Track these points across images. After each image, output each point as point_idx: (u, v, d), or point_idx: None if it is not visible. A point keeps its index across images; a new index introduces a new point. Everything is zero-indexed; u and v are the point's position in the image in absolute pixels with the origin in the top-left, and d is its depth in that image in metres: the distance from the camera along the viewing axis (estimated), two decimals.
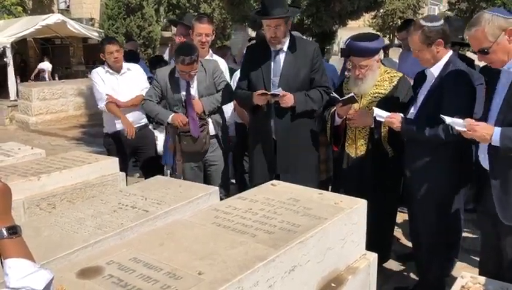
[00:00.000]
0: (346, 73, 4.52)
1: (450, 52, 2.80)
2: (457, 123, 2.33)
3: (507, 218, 2.32)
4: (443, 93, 2.69)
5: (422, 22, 2.72)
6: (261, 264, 1.61)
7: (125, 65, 4.55)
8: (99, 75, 4.45)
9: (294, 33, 3.80)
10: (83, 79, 14.15)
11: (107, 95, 4.37)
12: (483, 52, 2.27)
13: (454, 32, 3.63)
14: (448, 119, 2.37)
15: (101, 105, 4.44)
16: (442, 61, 2.76)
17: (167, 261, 1.67)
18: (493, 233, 2.45)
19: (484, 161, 2.41)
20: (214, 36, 4.18)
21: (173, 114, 3.67)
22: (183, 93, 3.70)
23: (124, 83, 4.49)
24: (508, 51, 2.23)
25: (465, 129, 2.29)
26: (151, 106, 3.80)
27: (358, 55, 3.09)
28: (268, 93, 3.20)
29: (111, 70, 4.46)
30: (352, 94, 3.04)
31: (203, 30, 4.00)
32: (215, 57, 4.28)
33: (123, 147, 4.51)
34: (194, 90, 3.73)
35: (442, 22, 2.75)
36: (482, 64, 3.76)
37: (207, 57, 4.11)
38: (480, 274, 2.36)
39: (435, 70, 2.78)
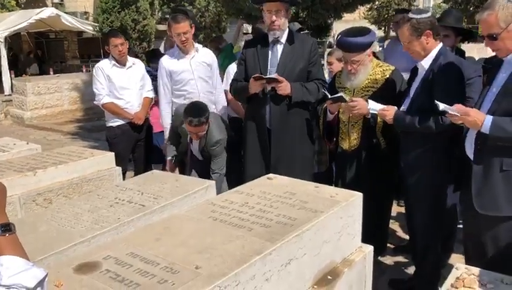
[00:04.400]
0: (328, 67, 4.46)
1: (440, 45, 2.82)
2: (450, 108, 2.34)
3: (481, 206, 2.32)
4: (434, 86, 2.71)
5: (411, 15, 2.77)
6: (257, 257, 1.62)
7: (130, 59, 4.60)
8: (104, 72, 4.45)
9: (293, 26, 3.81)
10: (78, 73, 14.08)
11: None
12: (491, 38, 2.23)
13: (456, 22, 3.73)
14: (441, 105, 2.38)
15: (99, 102, 4.49)
16: (433, 53, 2.78)
17: (164, 255, 1.67)
18: (474, 223, 2.45)
19: (469, 150, 2.41)
20: (193, 29, 4.07)
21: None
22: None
23: (132, 77, 4.54)
24: None
25: (458, 114, 2.29)
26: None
27: (350, 50, 3.09)
28: (264, 77, 3.20)
29: (118, 64, 4.48)
30: (341, 94, 3.05)
31: (180, 29, 3.94)
32: (201, 50, 4.22)
33: (128, 138, 4.55)
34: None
35: (430, 14, 2.80)
36: (476, 57, 3.78)
37: (193, 52, 4.11)
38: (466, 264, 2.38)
39: (425, 63, 2.80)
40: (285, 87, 3.21)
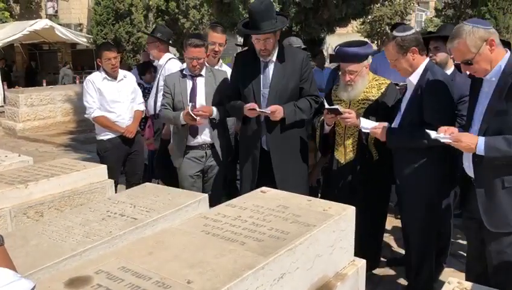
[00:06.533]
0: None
1: (427, 60, 2.87)
2: (442, 137, 2.38)
3: (492, 225, 2.36)
4: (423, 104, 2.74)
5: (395, 33, 2.83)
6: (250, 272, 1.62)
7: (121, 72, 4.56)
8: (94, 85, 4.42)
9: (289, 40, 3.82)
10: (72, 85, 14.07)
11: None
12: (466, 63, 2.32)
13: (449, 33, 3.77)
14: (433, 134, 2.42)
15: (90, 116, 4.46)
16: (420, 69, 2.82)
17: (156, 270, 1.66)
18: (478, 238, 2.48)
19: (469, 169, 2.45)
20: (225, 46, 4.19)
21: (181, 113, 3.62)
22: (190, 91, 3.71)
23: (123, 91, 4.52)
24: (490, 60, 2.29)
25: (451, 141, 2.34)
26: (165, 113, 3.78)
27: (347, 60, 3.12)
28: (258, 110, 3.23)
29: (109, 77, 4.45)
30: (337, 107, 3.08)
31: (217, 39, 4.02)
32: (225, 67, 4.30)
33: (119, 151, 4.52)
34: (201, 91, 3.72)
35: (414, 30, 2.86)
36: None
37: (217, 66, 4.14)
38: (466, 279, 2.39)
39: (413, 79, 2.84)
40: (278, 115, 3.24)
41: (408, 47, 2.76)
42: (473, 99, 2.46)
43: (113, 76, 4.46)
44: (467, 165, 2.47)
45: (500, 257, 2.36)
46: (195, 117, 3.50)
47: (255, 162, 3.42)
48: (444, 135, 2.37)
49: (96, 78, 4.46)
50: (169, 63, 4.60)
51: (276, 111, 3.21)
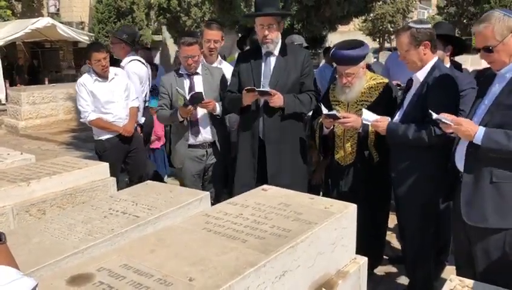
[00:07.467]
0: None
1: (436, 58, 2.84)
2: (443, 118, 2.36)
3: (469, 217, 2.33)
4: (428, 100, 2.72)
5: (411, 24, 2.81)
6: (251, 269, 1.62)
7: (112, 70, 4.50)
8: (87, 88, 4.37)
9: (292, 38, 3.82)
10: (73, 83, 14.02)
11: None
12: (487, 50, 2.26)
13: (445, 32, 3.72)
14: (434, 115, 2.42)
15: (86, 120, 4.44)
16: (428, 65, 2.80)
17: (158, 267, 1.67)
18: (464, 236, 2.46)
19: (459, 162, 2.42)
20: (223, 42, 4.19)
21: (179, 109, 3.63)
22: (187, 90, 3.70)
23: (116, 90, 4.47)
24: (511, 54, 2.24)
25: (452, 123, 2.31)
26: (162, 113, 3.80)
27: (344, 63, 3.10)
28: (257, 90, 3.21)
29: (100, 78, 4.40)
30: (335, 112, 3.07)
31: (212, 36, 4.02)
32: (225, 64, 4.29)
33: (118, 151, 4.50)
34: (199, 89, 3.69)
35: (430, 25, 2.82)
36: (470, 68, 3.79)
37: (216, 63, 4.13)
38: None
39: (420, 75, 2.82)
40: (277, 100, 3.23)
41: (421, 40, 2.74)
42: (480, 96, 2.43)
43: (104, 76, 4.40)
44: (458, 158, 2.43)
45: (486, 255, 2.34)
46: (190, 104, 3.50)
47: (255, 152, 3.40)
48: (445, 117, 2.36)
49: (87, 80, 4.39)
50: (130, 64, 4.83)
51: (276, 95, 3.21)
